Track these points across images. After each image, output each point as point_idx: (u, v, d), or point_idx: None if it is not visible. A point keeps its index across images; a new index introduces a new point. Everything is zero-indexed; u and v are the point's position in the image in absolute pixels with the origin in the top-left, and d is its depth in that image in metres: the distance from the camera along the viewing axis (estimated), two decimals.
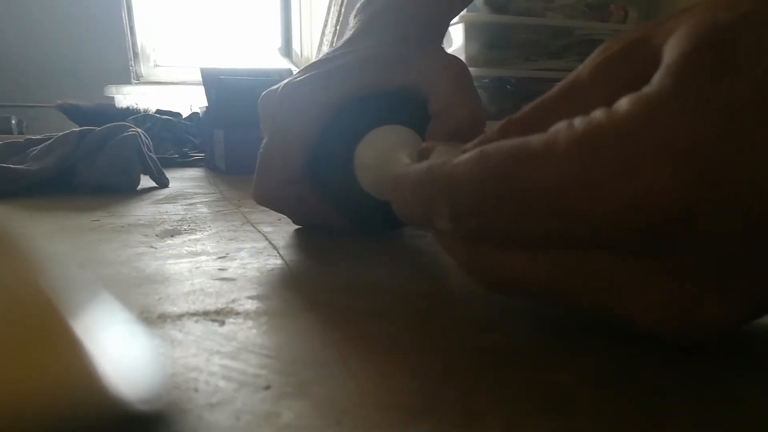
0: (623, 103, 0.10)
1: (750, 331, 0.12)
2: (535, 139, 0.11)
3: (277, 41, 1.78)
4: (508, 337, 0.13)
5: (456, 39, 1.10)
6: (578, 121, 0.10)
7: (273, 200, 0.25)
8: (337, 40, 1.49)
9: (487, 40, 1.11)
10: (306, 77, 0.23)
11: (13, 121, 1.20)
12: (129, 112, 0.75)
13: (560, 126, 0.11)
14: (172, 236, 0.25)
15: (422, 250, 0.23)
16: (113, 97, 1.41)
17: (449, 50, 1.04)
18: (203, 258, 0.21)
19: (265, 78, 0.59)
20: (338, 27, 1.44)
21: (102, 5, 1.57)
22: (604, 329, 0.13)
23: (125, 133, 0.43)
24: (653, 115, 0.09)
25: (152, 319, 0.15)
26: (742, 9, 0.10)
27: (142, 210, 0.33)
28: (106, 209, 0.33)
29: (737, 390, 0.11)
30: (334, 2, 1.47)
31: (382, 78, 0.22)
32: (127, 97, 1.40)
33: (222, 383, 0.11)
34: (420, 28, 0.24)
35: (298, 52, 1.77)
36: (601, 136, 0.10)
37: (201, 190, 0.42)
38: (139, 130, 0.45)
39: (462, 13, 1.04)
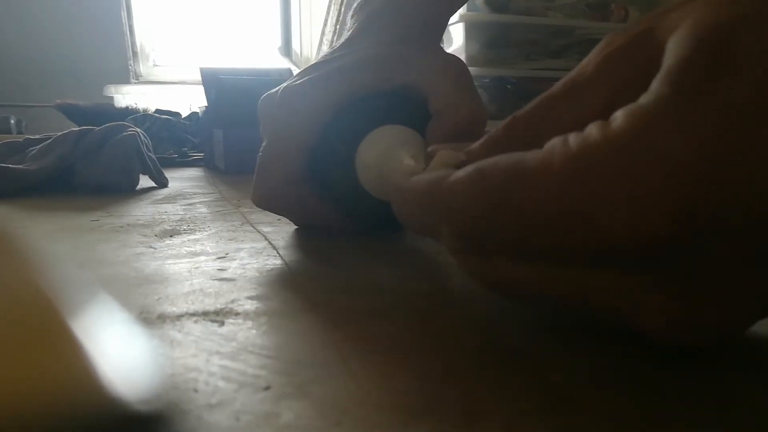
0: (618, 117, 0.10)
1: (750, 331, 0.12)
2: (531, 157, 0.11)
3: (277, 41, 1.78)
4: (508, 337, 0.13)
5: (456, 38, 1.10)
6: (573, 138, 0.10)
7: (272, 201, 0.25)
8: (337, 40, 1.48)
9: (487, 39, 1.11)
10: (305, 80, 0.23)
11: (12, 121, 1.20)
12: (128, 112, 0.75)
13: (555, 143, 0.10)
14: (171, 236, 0.25)
15: (422, 250, 0.22)
16: (112, 97, 1.41)
17: (449, 50, 1.04)
18: (202, 258, 0.21)
19: (265, 77, 0.59)
20: (338, 26, 1.44)
21: (101, 5, 1.57)
22: (604, 329, 0.13)
23: (124, 133, 0.43)
24: (648, 130, 0.09)
25: (151, 319, 0.15)
26: (744, 7, 0.10)
27: (142, 210, 0.33)
28: (105, 209, 0.33)
29: (737, 390, 0.11)
30: (333, 1, 1.47)
31: (381, 78, 0.22)
32: (126, 96, 1.40)
33: (221, 384, 0.11)
34: (418, 27, 0.24)
35: (298, 52, 1.77)
36: (596, 154, 0.10)
37: (200, 190, 0.42)
38: (138, 129, 0.45)
39: (462, 12, 1.04)
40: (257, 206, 0.26)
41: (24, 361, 0.06)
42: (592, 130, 0.10)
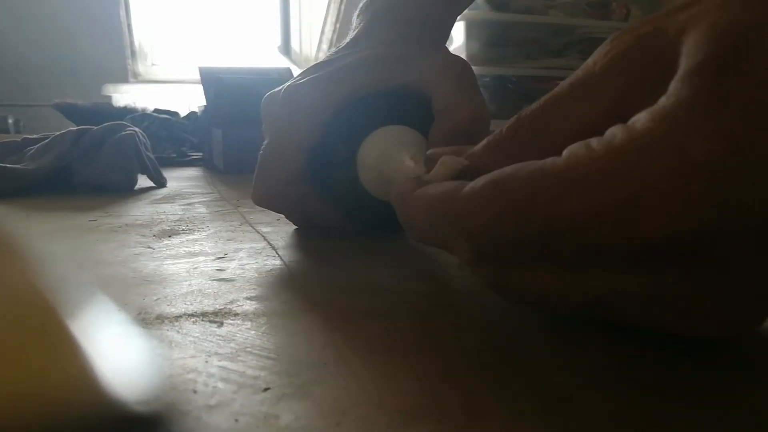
0: (642, 119, 0.10)
1: (750, 331, 0.12)
2: (551, 165, 0.10)
3: (276, 40, 1.78)
4: (508, 337, 0.13)
5: (457, 37, 1.10)
6: (596, 143, 0.10)
7: (273, 200, 0.25)
8: (338, 39, 1.49)
9: (488, 38, 1.11)
10: (308, 79, 0.23)
11: (10, 121, 1.20)
12: (126, 111, 0.75)
13: (576, 148, 0.10)
14: (169, 236, 0.25)
15: (422, 250, 0.22)
16: (111, 96, 1.40)
17: (450, 49, 1.03)
18: (201, 258, 0.21)
19: (264, 77, 0.59)
20: (338, 25, 1.44)
21: (100, 4, 1.57)
22: (604, 329, 0.13)
23: (123, 133, 0.43)
24: (676, 131, 0.09)
25: (150, 320, 0.15)
26: (756, 11, 0.10)
27: (140, 210, 0.33)
28: (104, 209, 0.33)
29: (737, 390, 0.11)
30: (333, 0, 1.47)
31: (381, 78, 0.22)
32: (124, 96, 1.39)
33: (220, 385, 0.11)
34: (419, 28, 0.24)
35: (298, 51, 1.77)
36: (625, 157, 0.10)
37: (199, 190, 0.42)
38: (137, 129, 0.45)
39: None
40: (257, 205, 0.25)
41: (23, 362, 0.06)
42: (616, 132, 0.10)
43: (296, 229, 0.26)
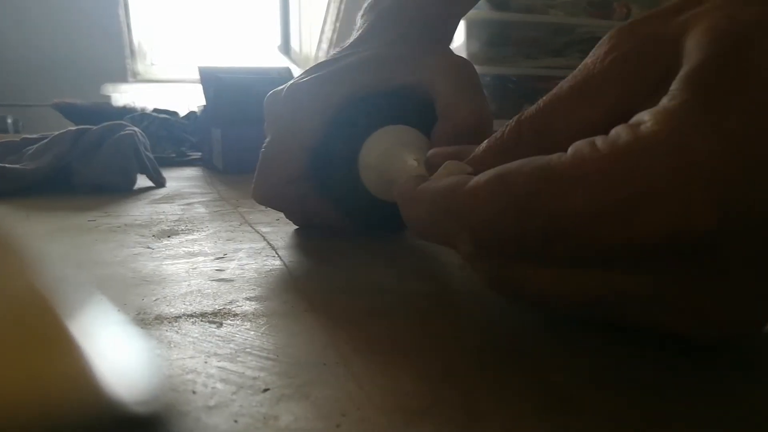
0: (646, 119, 0.10)
1: (750, 332, 0.12)
2: (557, 161, 0.10)
3: (276, 39, 1.78)
4: (508, 337, 0.13)
5: (457, 37, 1.10)
6: (601, 142, 0.10)
7: (273, 199, 0.25)
8: (338, 38, 1.49)
9: (488, 37, 1.11)
10: (310, 78, 0.23)
11: (9, 120, 1.20)
12: (126, 111, 0.74)
13: (581, 146, 0.10)
14: (169, 236, 0.25)
15: (422, 250, 0.22)
16: (110, 96, 1.40)
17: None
18: (200, 259, 0.21)
19: (264, 76, 0.59)
20: (338, 24, 1.44)
21: (99, 3, 1.56)
22: (604, 329, 0.13)
23: (122, 132, 0.43)
24: (680, 131, 0.09)
25: (149, 320, 0.14)
26: (757, 11, 0.10)
27: (139, 210, 0.33)
28: (103, 209, 0.33)
29: (737, 390, 0.11)
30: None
31: (381, 78, 0.22)
32: (123, 95, 1.39)
33: (220, 385, 0.11)
34: (420, 28, 0.24)
35: (297, 50, 1.77)
36: (628, 157, 0.10)
37: (198, 190, 0.42)
38: (136, 129, 0.45)
39: None
40: (258, 203, 0.25)
41: (21, 362, 0.06)
42: (620, 132, 0.10)
43: (296, 229, 0.26)
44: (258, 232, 0.26)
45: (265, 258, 0.21)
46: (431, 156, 0.17)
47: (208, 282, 0.18)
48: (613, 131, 0.10)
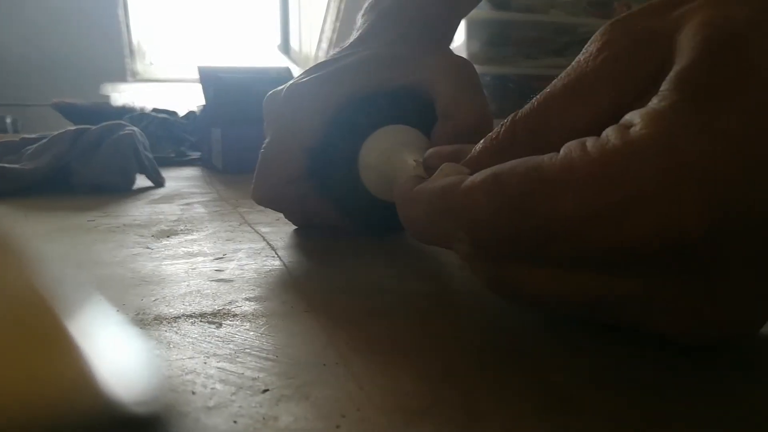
0: (636, 122, 0.10)
1: (750, 333, 0.12)
2: (549, 162, 0.10)
3: (276, 38, 1.78)
4: (508, 337, 0.13)
5: (457, 36, 1.10)
6: (591, 144, 0.10)
7: (273, 199, 0.25)
8: (338, 37, 1.49)
9: (488, 37, 1.11)
10: (310, 78, 0.23)
11: (9, 120, 1.20)
12: (125, 111, 0.74)
13: (572, 147, 0.10)
14: (168, 237, 0.25)
15: (422, 250, 0.22)
16: (109, 96, 1.40)
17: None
18: (200, 259, 0.21)
19: (264, 76, 0.58)
20: (338, 24, 1.44)
21: (98, 3, 1.56)
22: (604, 329, 0.13)
23: (121, 132, 0.43)
24: (669, 134, 0.09)
25: (148, 320, 0.14)
26: (750, 8, 0.10)
27: (138, 210, 0.33)
28: (102, 209, 0.33)
29: (737, 390, 0.11)
30: None
31: (382, 78, 0.22)
32: (123, 95, 1.39)
33: (219, 386, 0.11)
34: (420, 28, 0.24)
35: (297, 50, 1.77)
36: (617, 161, 0.10)
37: (198, 190, 0.42)
38: (135, 128, 0.45)
39: None
40: (257, 204, 0.25)
41: (20, 363, 0.06)
42: (610, 135, 0.10)
43: (296, 229, 0.26)
44: (257, 233, 0.26)
45: (264, 258, 0.21)
46: (429, 155, 0.17)
47: (208, 282, 0.18)
48: (604, 133, 0.10)
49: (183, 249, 0.23)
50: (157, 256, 0.21)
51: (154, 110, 0.76)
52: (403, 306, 0.16)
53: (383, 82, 0.22)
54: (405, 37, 0.23)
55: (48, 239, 0.25)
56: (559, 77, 0.13)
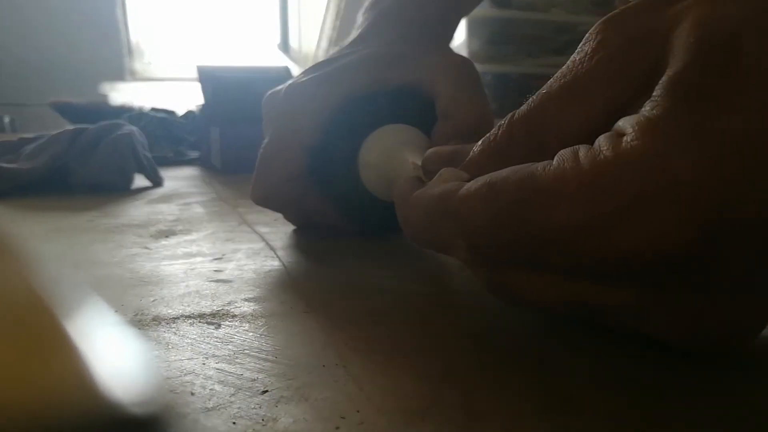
0: (626, 130, 0.10)
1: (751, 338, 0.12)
2: (542, 171, 0.10)
3: (276, 37, 1.77)
4: (508, 337, 0.13)
5: (458, 35, 1.10)
6: (583, 155, 0.10)
7: (272, 199, 0.25)
8: (338, 36, 1.49)
9: (489, 35, 1.11)
10: (309, 77, 0.23)
11: (6, 120, 1.19)
12: (123, 110, 0.74)
13: (565, 156, 0.10)
14: (166, 237, 0.25)
15: (422, 250, 0.22)
16: (107, 95, 1.40)
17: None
18: (199, 259, 0.21)
19: (263, 75, 0.58)
20: (338, 22, 1.43)
21: (96, 2, 1.56)
22: (604, 329, 0.13)
23: (119, 132, 0.43)
24: (661, 144, 0.09)
25: (146, 321, 0.14)
26: (744, 7, 0.10)
27: (137, 210, 0.32)
28: (101, 209, 0.33)
29: (737, 390, 0.11)
30: None
31: (380, 77, 0.22)
32: (121, 94, 1.39)
33: (218, 387, 0.11)
34: (419, 27, 0.24)
35: (297, 48, 1.77)
36: (609, 172, 0.10)
37: (196, 190, 0.42)
38: (133, 128, 0.45)
39: None
40: (256, 203, 0.25)
41: (18, 363, 0.06)
42: (602, 145, 0.10)
43: (295, 229, 0.26)
44: (256, 233, 0.26)
45: (263, 258, 0.21)
46: (429, 156, 0.17)
47: (207, 283, 0.18)
48: (596, 142, 0.10)
49: (182, 249, 0.22)
50: (156, 256, 0.21)
51: (153, 109, 0.75)
52: (402, 306, 0.16)
53: (383, 81, 0.22)
54: (405, 36, 0.23)
55: (46, 239, 0.25)
56: (554, 77, 0.12)
